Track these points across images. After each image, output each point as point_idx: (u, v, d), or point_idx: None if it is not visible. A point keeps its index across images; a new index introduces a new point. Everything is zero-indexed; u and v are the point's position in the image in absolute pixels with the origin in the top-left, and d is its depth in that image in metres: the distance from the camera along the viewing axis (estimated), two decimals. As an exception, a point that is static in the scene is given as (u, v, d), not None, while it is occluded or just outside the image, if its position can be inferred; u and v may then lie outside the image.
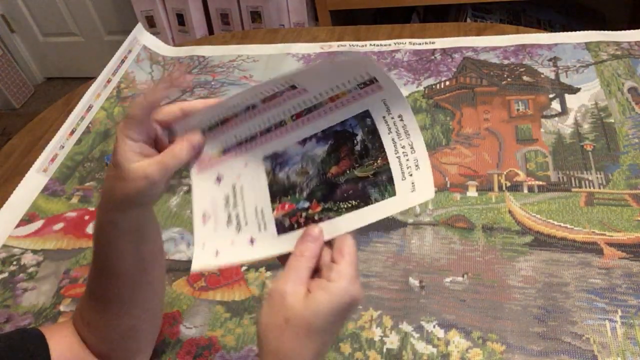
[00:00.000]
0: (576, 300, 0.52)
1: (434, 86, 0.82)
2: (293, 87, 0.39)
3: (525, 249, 0.58)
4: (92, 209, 0.73)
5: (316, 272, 0.39)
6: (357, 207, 0.39)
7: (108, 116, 0.89)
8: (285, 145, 0.42)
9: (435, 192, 0.66)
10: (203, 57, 0.99)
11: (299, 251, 0.38)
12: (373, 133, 0.39)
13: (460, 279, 0.56)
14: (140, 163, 0.38)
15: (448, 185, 0.66)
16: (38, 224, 0.72)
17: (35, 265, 0.66)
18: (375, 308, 0.55)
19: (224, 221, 0.42)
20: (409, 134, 0.38)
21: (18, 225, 0.72)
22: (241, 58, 0.96)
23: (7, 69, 2.34)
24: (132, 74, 0.97)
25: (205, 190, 0.43)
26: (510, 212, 0.62)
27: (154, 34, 1.07)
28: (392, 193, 0.38)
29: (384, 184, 0.39)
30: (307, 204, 0.41)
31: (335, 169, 0.40)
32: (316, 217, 0.40)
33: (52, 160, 0.81)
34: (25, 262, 0.67)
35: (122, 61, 0.99)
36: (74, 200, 0.75)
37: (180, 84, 0.47)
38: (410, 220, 0.63)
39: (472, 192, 0.65)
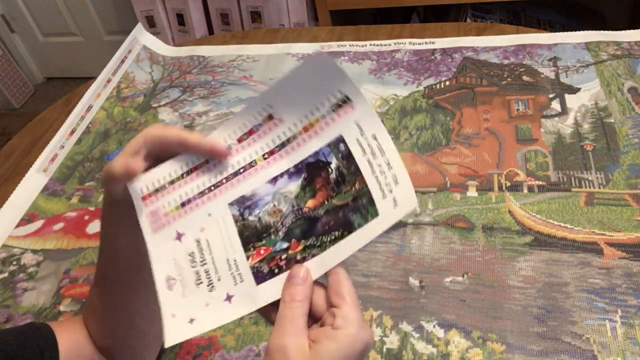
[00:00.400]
0: (576, 300, 0.52)
1: (434, 86, 0.82)
2: (270, 117, 0.39)
3: (525, 249, 0.58)
4: (92, 208, 0.73)
5: (310, 318, 0.35)
6: (341, 237, 0.37)
7: (108, 116, 0.89)
8: (253, 187, 0.39)
9: (435, 192, 0.66)
10: (203, 57, 0.99)
11: (288, 297, 0.35)
12: (348, 158, 0.38)
13: (460, 279, 0.56)
14: (117, 160, 0.39)
15: (448, 185, 0.66)
16: (38, 224, 0.72)
17: (35, 265, 0.66)
18: (375, 308, 0.55)
19: (193, 282, 0.38)
20: (384, 152, 0.37)
21: (18, 225, 0.72)
22: (241, 58, 0.96)
23: (7, 69, 2.34)
24: (132, 74, 0.97)
25: (164, 251, 0.39)
26: (510, 212, 0.62)
27: (154, 34, 1.07)
28: (375, 214, 0.36)
29: (365, 207, 0.37)
30: (285, 245, 0.38)
31: (312, 202, 0.38)
32: (298, 257, 0.37)
33: (52, 160, 0.81)
34: (25, 262, 0.67)
35: (122, 61, 0.99)
36: (74, 200, 0.75)
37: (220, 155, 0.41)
38: (410, 220, 0.63)
39: (472, 192, 0.65)
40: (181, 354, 0.54)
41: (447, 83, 0.82)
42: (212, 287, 0.38)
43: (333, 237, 0.37)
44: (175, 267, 0.39)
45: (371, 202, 0.37)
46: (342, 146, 0.38)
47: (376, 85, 0.85)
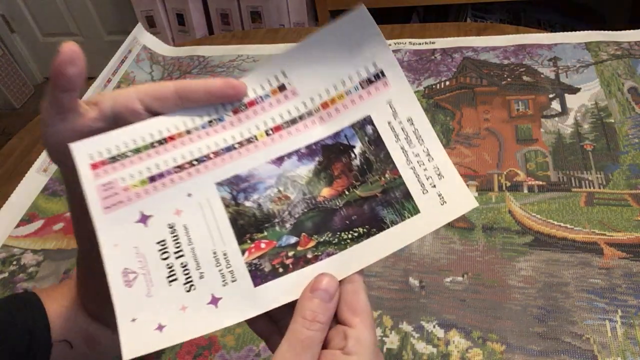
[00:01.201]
0: (576, 300, 0.52)
1: (434, 86, 0.82)
2: (282, 87, 0.32)
3: (525, 249, 0.58)
4: (92, 209, 0.73)
5: None
6: (368, 235, 0.31)
7: (108, 116, 0.89)
8: (251, 165, 0.32)
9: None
10: (203, 57, 0.99)
11: (310, 314, 0.28)
12: (376, 142, 0.32)
13: (460, 278, 0.56)
14: None
15: (448, 185, 0.66)
16: (38, 223, 0.72)
17: (35, 265, 0.66)
18: (375, 308, 0.55)
19: (163, 278, 0.30)
20: (422, 140, 0.32)
21: (18, 225, 0.72)
22: (241, 58, 0.96)
23: (7, 69, 2.35)
24: (132, 74, 0.97)
25: (121, 236, 0.30)
26: (510, 212, 0.62)
27: (154, 34, 1.07)
28: (415, 210, 0.31)
29: (399, 202, 0.31)
30: (293, 239, 0.31)
31: (328, 191, 0.32)
32: (309, 255, 0.31)
33: (52, 160, 0.82)
34: (25, 262, 0.67)
35: (122, 61, 0.99)
36: (74, 200, 0.75)
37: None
38: (410, 220, 0.63)
39: (472, 192, 0.65)
40: (181, 354, 0.54)
41: (447, 83, 0.82)
42: (192, 285, 0.30)
43: (356, 235, 0.31)
44: (136, 257, 0.30)
45: (407, 196, 0.31)
46: (369, 128, 0.32)
47: (376, 85, 0.84)
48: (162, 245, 0.31)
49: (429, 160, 0.32)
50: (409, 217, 0.31)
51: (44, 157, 0.81)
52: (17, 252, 0.69)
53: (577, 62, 0.81)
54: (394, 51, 0.91)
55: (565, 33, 0.87)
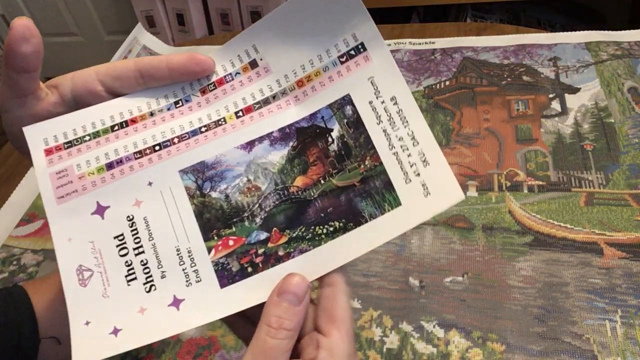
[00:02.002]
0: (576, 300, 0.52)
1: (433, 86, 0.82)
2: (253, 64, 0.29)
3: (525, 249, 0.58)
4: (92, 209, 0.73)
5: None
6: (344, 230, 0.28)
7: (108, 116, 0.89)
8: (218, 151, 0.29)
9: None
10: (203, 57, 0.99)
11: (276, 321, 0.25)
12: (356, 125, 0.29)
13: (460, 278, 0.56)
14: None
15: (448, 185, 0.66)
16: (38, 223, 0.72)
17: (35, 265, 0.66)
18: (375, 308, 0.55)
19: (121, 277, 0.28)
20: (406, 122, 0.28)
21: (18, 225, 0.72)
22: (241, 58, 0.96)
23: (7, 69, 2.35)
24: (132, 74, 0.97)
25: (75, 229, 0.28)
26: (510, 212, 0.62)
27: (154, 34, 1.07)
28: (396, 203, 0.28)
29: (379, 193, 0.28)
30: (264, 235, 0.28)
31: (302, 179, 0.29)
32: (281, 253, 0.28)
33: (52, 160, 0.82)
34: (25, 262, 0.67)
35: (122, 61, 0.99)
36: (74, 200, 0.75)
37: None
38: (410, 220, 0.63)
39: (472, 192, 0.65)
40: (181, 353, 0.54)
41: (447, 83, 0.82)
42: (152, 286, 0.28)
43: (332, 230, 0.28)
44: (92, 253, 0.28)
45: (388, 186, 0.28)
46: (348, 109, 0.29)
47: (376, 85, 0.84)
48: (120, 240, 0.28)
49: (413, 144, 0.28)
50: (389, 211, 0.28)
51: (44, 157, 0.81)
52: (17, 252, 0.69)
53: (577, 62, 0.81)
54: (393, 51, 0.91)
55: (565, 33, 0.87)
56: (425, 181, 0.28)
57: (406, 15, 1.65)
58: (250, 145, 0.29)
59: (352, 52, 0.29)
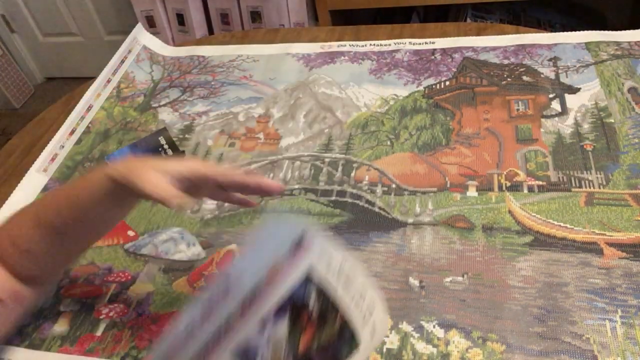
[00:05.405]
0: (576, 300, 0.52)
1: (434, 86, 0.82)
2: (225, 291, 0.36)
3: (525, 249, 0.58)
4: (92, 209, 0.73)
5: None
6: None
7: (108, 116, 0.89)
8: (246, 337, 0.35)
9: (435, 192, 0.66)
10: (203, 57, 0.99)
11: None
12: (322, 294, 0.36)
13: (460, 278, 0.56)
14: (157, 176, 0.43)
15: (448, 185, 0.66)
16: (38, 224, 0.72)
17: (35, 265, 0.66)
18: (375, 308, 0.55)
19: None
20: (353, 283, 0.36)
21: (18, 225, 0.72)
22: (241, 58, 0.96)
23: (7, 69, 2.34)
24: (132, 74, 0.97)
25: None
26: (510, 212, 0.62)
27: (154, 34, 1.07)
28: (358, 343, 0.36)
29: (349, 340, 0.36)
30: None
31: (304, 339, 0.35)
32: None
33: (52, 160, 0.81)
34: (25, 262, 0.67)
35: (122, 61, 0.99)
36: (74, 200, 0.75)
37: (270, 191, 0.49)
38: (410, 220, 0.63)
39: (472, 192, 0.65)
40: None
41: (447, 83, 0.82)
42: None
43: None
44: None
45: (354, 333, 0.36)
46: (311, 286, 0.35)
47: (376, 85, 0.85)
48: None
49: (362, 300, 0.37)
50: (354, 350, 0.36)
51: (44, 157, 0.81)
52: (17, 252, 0.68)
53: (577, 62, 0.81)
54: (393, 51, 0.91)
55: (565, 33, 0.87)
56: (374, 323, 0.37)
57: (406, 15, 1.65)
58: (263, 326, 0.34)
59: (297, 243, 0.36)
